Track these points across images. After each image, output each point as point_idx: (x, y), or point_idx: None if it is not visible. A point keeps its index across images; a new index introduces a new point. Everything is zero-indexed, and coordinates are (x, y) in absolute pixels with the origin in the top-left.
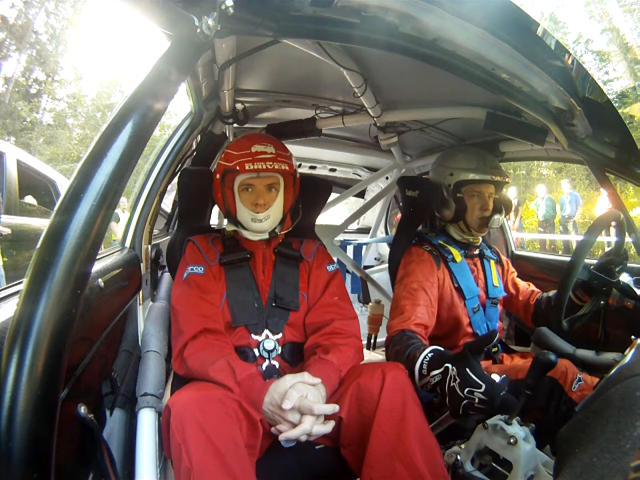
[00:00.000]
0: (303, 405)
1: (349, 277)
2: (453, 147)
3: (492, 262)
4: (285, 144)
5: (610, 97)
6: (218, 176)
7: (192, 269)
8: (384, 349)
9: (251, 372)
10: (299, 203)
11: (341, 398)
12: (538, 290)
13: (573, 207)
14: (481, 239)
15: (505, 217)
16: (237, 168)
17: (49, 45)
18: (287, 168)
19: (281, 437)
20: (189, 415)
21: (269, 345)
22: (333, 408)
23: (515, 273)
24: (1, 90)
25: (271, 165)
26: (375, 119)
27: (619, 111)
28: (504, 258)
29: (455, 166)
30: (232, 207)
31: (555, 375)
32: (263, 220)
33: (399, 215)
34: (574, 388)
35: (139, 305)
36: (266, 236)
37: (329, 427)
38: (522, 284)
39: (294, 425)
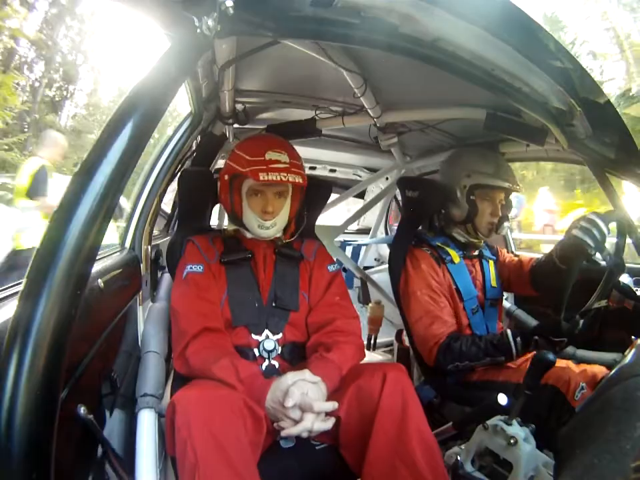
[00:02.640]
0: (303, 402)
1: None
2: (466, 149)
3: (491, 262)
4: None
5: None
6: (226, 177)
7: (191, 268)
8: (384, 349)
9: (253, 370)
10: (304, 208)
11: (341, 398)
12: (530, 257)
13: (517, 208)
14: (482, 241)
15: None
16: (250, 176)
17: (70, 56)
18: (300, 181)
19: (283, 433)
20: (194, 411)
21: (269, 345)
22: (332, 405)
23: (510, 255)
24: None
25: (285, 177)
26: (375, 120)
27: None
28: (500, 250)
29: (473, 168)
30: (239, 209)
31: (557, 384)
32: (270, 227)
33: (393, 214)
34: (576, 397)
35: (139, 305)
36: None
37: (329, 423)
38: (516, 259)
39: (295, 422)
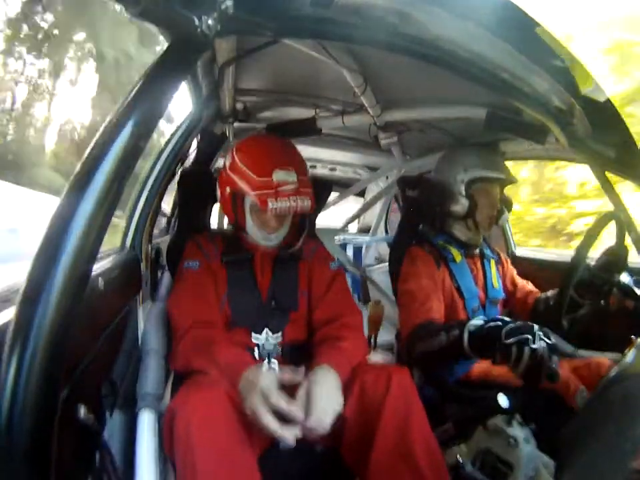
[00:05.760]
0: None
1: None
2: (460, 146)
3: (492, 261)
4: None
5: None
6: (228, 190)
7: (187, 264)
8: (384, 349)
9: (233, 359)
10: (307, 217)
11: (346, 397)
12: (537, 290)
13: None
14: (481, 238)
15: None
16: (258, 203)
17: None
18: (309, 204)
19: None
20: (195, 419)
21: (269, 345)
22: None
23: (515, 271)
24: None
25: (294, 202)
26: (375, 119)
27: None
28: (503, 256)
29: (469, 163)
30: (242, 221)
31: (557, 386)
32: (273, 239)
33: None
34: (576, 400)
35: (139, 305)
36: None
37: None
38: (520, 281)
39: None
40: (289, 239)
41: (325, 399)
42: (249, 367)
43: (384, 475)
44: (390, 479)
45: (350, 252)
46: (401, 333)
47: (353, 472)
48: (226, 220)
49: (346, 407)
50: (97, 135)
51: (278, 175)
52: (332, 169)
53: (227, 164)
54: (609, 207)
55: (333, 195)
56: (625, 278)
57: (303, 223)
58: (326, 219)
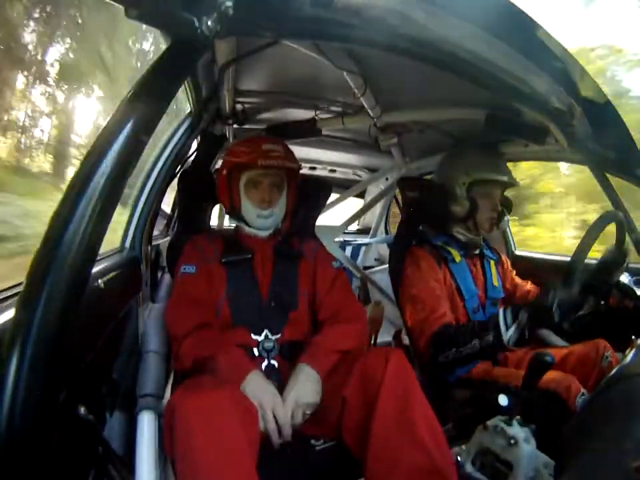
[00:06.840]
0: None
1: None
2: (463, 147)
3: (492, 262)
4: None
5: None
6: (224, 172)
7: (184, 269)
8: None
9: (240, 353)
10: (299, 203)
11: (346, 378)
12: (536, 287)
13: None
14: (481, 238)
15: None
16: (249, 162)
17: None
18: (295, 166)
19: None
20: (194, 417)
21: (268, 344)
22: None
23: (514, 272)
24: None
25: (282, 163)
26: (375, 120)
27: None
28: (504, 257)
29: (471, 165)
30: (237, 203)
31: (558, 389)
32: (268, 217)
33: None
34: (577, 403)
35: (139, 305)
36: (269, 232)
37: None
38: (520, 281)
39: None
40: (285, 229)
41: (295, 392)
42: (255, 369)
43: (385, 450)
44: (391, 453)
45: (348, 251)
46: (413, 340)
47: (355, 458)
48: (226, 220)
49: (347, 388)
50: (97, 135)
51: (266, 146)
52: (332, 170)
53: (224, 155)
54: None
55: (333, 197)
56: (624, 278)
57: (297, 214)
58: (325, 218)
